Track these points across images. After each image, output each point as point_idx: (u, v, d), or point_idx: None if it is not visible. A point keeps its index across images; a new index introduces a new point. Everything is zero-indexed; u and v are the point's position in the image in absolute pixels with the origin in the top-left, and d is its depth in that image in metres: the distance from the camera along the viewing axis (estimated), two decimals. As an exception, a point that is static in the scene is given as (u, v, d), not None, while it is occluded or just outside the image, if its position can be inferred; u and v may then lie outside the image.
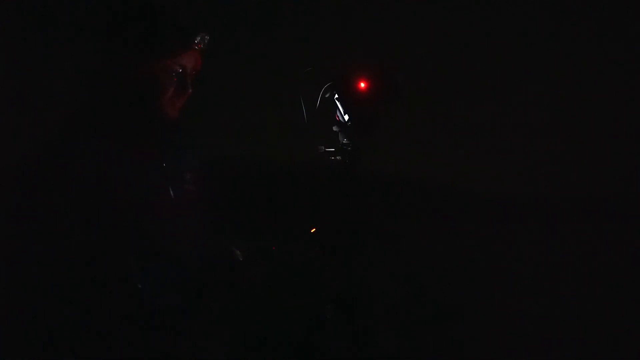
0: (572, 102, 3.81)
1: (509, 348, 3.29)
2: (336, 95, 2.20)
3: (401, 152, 3.56)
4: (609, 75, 3.79)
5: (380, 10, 3.68)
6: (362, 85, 2.17)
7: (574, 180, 3.81)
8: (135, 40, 1.76)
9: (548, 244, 3.73)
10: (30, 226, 1.72)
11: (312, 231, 2.22)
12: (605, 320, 3.43)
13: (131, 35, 1.77)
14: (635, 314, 3.44)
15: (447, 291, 3.55)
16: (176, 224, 1.85)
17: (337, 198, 2.22)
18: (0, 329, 1.71)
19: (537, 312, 3.49)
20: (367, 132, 2.22)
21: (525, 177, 3.83)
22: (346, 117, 2.19)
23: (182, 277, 1.81)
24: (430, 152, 3.72)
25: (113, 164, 1.78)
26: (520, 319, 3.45)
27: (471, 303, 3.52)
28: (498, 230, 3.74)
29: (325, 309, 2.17)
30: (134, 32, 1.77)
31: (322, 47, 3.44)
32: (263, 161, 3.46)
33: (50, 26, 3.00)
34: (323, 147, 2.23)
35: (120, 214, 1.75)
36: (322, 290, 2.20)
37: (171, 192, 1.85)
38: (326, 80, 2.22)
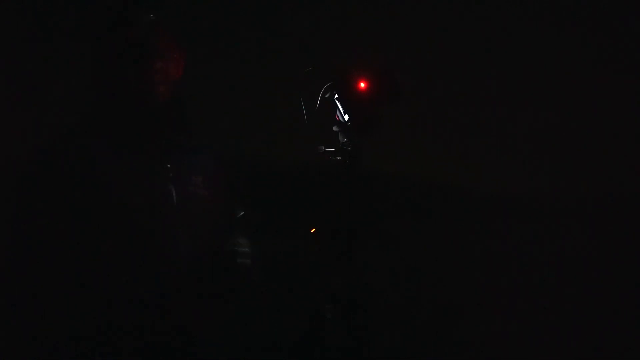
0: (573, 101, 3.81)
1: (509, 348, 3.29)
2: (336, 95, 2.21)
3: (401, 152, 3.55)
4: (610, 75, 3.80)
5: (380, 10, 3.68)
6: (362, 85, 2.17)
7: (574, 180, 3.81)
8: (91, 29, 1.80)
9: (549, 244, 3.73)
10: (30, 228, 1.72)
11: (312, 231, 2.23)
12: (606, 320, 3.43)
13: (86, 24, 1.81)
14: (635, 314, 3.44)
15: (447, 291, 3.55)
16: (178, 226, 1.84)
17: (337, 198, 2.22)
18: (0, 329, 1.72)
19: (538, 311, 3.49)
20: (367, 132, 2.23)
21: (526, 177, 3.82)
22: (346, 117, 2.20)
23: (181, 278, 1.81)
24: (430, 152, 3.72)
25: (112, 165, 1.78)
26: (521, 319, 3.45)
27: (471, 303, 3.52)
28: (498, 229, 3.73)
29: (325, 309, 2.17)
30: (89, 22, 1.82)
31: (322, 47, 3.44)
32: (262, 161, 3.46)
33: (51, 25, 3.01)
34: (323, 147, 2.23)
35: (119, 215, 1.75)
36: (322, 290, 2.20)
37: (174, 194, 1.85)
38: (326, 80, 2.22)
